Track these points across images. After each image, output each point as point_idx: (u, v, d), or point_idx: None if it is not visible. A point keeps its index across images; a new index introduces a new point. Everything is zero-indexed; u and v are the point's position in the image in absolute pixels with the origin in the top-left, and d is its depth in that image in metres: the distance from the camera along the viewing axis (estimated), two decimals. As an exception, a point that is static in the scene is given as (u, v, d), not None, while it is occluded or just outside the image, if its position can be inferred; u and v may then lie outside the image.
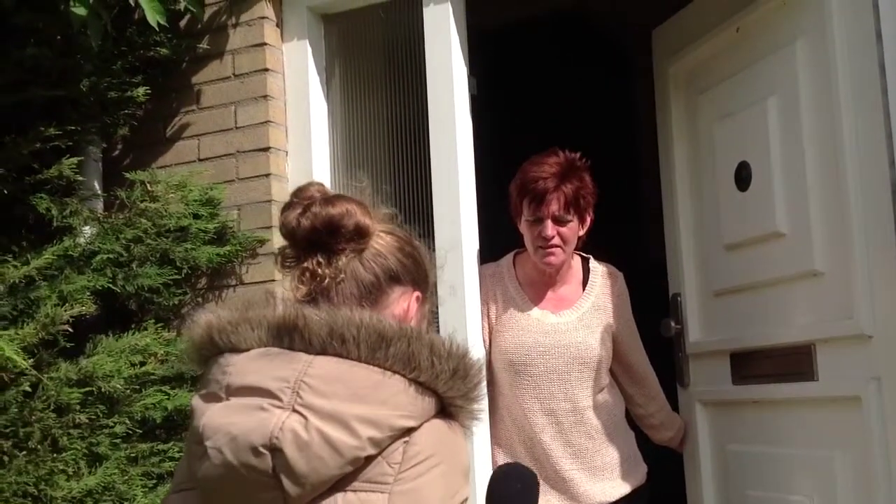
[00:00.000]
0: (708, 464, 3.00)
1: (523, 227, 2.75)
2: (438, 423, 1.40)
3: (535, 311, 2.77)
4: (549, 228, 2.66)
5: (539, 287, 2.81)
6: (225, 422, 1.35)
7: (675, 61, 3.18)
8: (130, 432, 2.73)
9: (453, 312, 2.77)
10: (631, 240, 4.61)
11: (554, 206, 2.65)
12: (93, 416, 2.65)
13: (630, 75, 4.92)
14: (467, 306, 2.77)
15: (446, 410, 1.42)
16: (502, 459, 2.75)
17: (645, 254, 4.41)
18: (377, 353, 1.36)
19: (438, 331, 2.77)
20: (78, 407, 2.63)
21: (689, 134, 3.13)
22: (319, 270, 1.47)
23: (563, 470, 2.69)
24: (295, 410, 1.33)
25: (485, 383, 1.44)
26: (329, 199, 1.50)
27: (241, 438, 1.33)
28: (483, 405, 1.44)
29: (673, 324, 3.11)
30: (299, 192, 1.54)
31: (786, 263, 2.65)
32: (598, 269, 2.87)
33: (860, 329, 2.38)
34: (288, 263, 1.52)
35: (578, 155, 2.73)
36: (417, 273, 1.56)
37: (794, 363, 2.60)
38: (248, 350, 1.41)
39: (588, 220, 2.75)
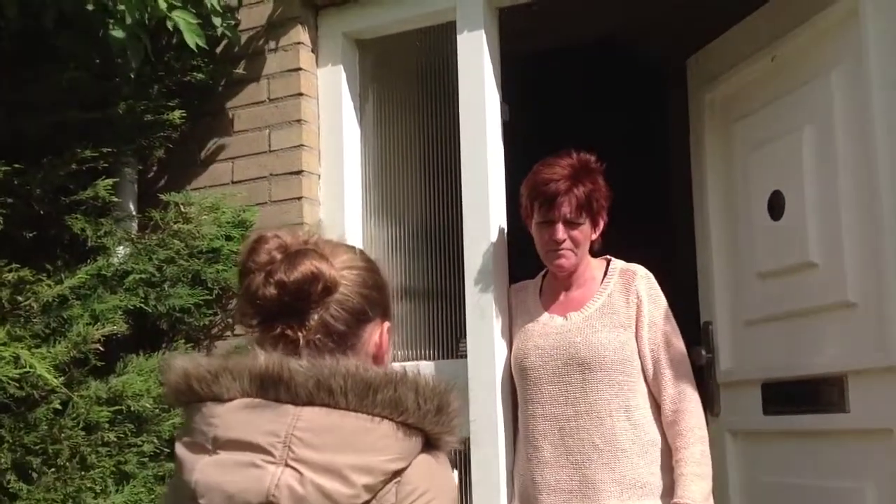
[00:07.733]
0: (737, 495, 2.96)
1: (534, 230, 2.64)
2: (426, 458, 1.40)
3: (544, 316, 2.67)
4: (560, 232, 2.56)
5: (555, 292, 2.71)
6: (219, 480, 1.35)
7: (710, 89, 3.17)
8: (158, 451, 2.74)
9: (482, 335, 2.77)
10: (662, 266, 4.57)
11: (565, 209, 2.54)
12: (121, 435, 2.67)
13: (664, 103, 4.90)
14: (495, 329, 2.77)
15: (431, 443, 1.42)
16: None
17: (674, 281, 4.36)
18: (364, 401, 1.36)
19: (466, 348, 2.78)
20: (107, 425, 2.65)
21: (723, 161, 3.11)
22: (290, 333, 1.43)
23: (561, 481, 2.51)
24: (288, 465, 1.32)
25: (460, 413, 1.44)
26: (291, 262, 1.44)
27: (238, 497, 1.33)
28: (458, 434, 1.45)
29: (704, 352, 3.08)
30: (255, 254, 1.47)
31: (818, 293, 2.62)
32: (616, 269, 2.67)
33: (893, 360, 2.35)
34: (251, 324, 1.47)
35: (593, 157, 2.62)
36: (382, 299, 1.53)
37: (825, 394, 2.57)
38: (230, 400, 1.39)
39: (601, 223, 2.63)
